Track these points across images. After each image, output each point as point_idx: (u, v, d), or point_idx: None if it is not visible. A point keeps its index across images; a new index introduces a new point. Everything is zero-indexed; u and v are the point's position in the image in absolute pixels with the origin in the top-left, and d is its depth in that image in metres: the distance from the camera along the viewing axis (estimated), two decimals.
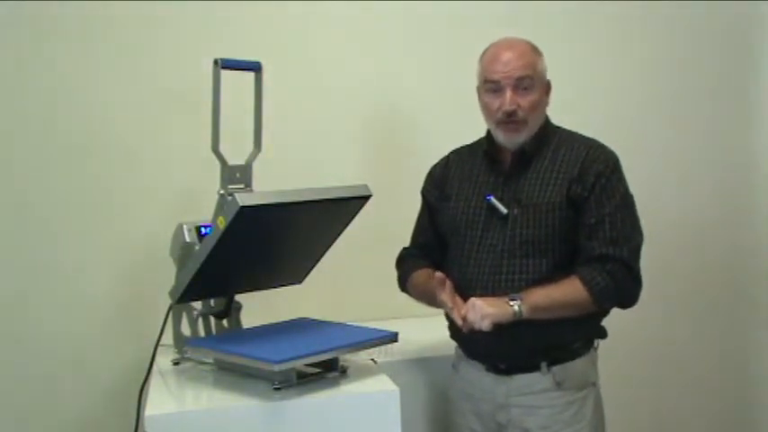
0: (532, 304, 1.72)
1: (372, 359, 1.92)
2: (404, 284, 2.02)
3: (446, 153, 2.04)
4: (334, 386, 1.72)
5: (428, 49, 2.50)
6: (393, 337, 1.84)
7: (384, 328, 1.84)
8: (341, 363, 1.78)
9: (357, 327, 1.89)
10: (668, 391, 2.81)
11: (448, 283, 1.76)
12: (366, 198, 1.88)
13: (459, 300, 1.77)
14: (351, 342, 1.76)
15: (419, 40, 2.50)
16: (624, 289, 1.78)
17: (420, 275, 1.96)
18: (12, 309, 2.21)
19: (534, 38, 1.87)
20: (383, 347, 1.88)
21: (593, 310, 1.79)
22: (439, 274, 1.77)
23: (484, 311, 1.69)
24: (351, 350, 1.76)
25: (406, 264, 2.03)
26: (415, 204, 2.06)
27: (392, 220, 2.16)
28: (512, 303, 1.71)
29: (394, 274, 2.05)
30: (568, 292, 1.75)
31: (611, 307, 1.84)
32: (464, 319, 1.71)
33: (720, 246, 2.84)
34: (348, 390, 1.71)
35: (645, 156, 2.66)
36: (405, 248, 2.07)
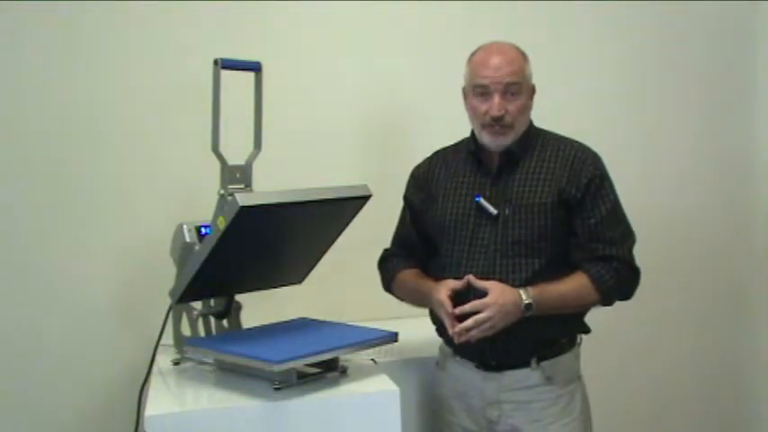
0: (542, 302, 1.75)
1: (372, 359, 1.92)
2: (389, 284, 2.03)
3: None
4: (334, 386, 1.72)
5: (428, 50, 2.50)
6: (393, 337, 1.84)
7: (384, 328, 1.84)
8: (341, 363, 1.78)
9: (357, 327, 1.89)
10: (663, 387, 2.81)
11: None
12: (366, 198, 1.88)
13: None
14: (351, 342, 1.76)
15: (419, 40, 2.50)
16: (627, 284, 1.85)
17: (407, 275, 1.97)
18: (11, 309, 2.20)
19: (526, 39, 1.88)
20: (383, 347, 1.88)
21: (595, 306, 1.85)
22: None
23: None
24: (351, 350, 1.76)
25: (390, 264, 2.03)
26: None
27: (392, 220, 2.16)
28: (524, 300, 1.74)
29: None
30: (575, 288, 1.80)
31: (613, 302, 1.88)
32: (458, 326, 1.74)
33: (719, 244, 2.84)
34: (348, 390, 1.71)
35: (645, 155, 2.66)
36: (386, 249, 2.07)
